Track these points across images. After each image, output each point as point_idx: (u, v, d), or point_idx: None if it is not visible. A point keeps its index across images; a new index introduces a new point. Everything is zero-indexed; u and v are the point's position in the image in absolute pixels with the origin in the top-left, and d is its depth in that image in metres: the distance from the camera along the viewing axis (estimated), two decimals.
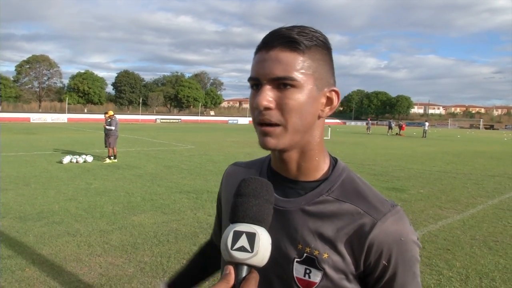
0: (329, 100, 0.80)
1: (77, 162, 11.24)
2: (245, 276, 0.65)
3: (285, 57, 0.73)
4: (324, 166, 0.84)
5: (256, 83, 0.76)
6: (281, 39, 0.73)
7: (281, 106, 0.73)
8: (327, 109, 0.80)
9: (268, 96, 0.73)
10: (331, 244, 0.77)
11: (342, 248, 0.76)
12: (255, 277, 0.65)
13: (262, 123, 0.75)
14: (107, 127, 12.19)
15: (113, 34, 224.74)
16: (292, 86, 0.73)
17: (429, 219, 6.13)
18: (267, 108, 0.73)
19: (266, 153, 0.98)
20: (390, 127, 38.54)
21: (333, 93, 0.80)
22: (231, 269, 0.65)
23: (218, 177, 9.38)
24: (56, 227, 5.23)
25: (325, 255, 0.77)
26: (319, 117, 0.79)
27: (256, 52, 0.78)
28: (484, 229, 5.67)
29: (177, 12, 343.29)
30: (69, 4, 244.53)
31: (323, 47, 0.77)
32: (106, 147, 12.30)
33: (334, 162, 0.86)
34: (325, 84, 0.78)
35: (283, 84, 0.73)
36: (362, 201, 0.79)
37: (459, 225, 5.82)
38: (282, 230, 0.81)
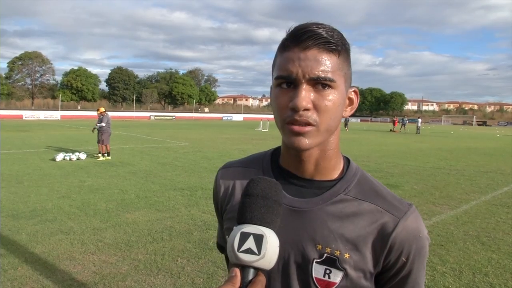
0: (351, 101, 0.81)
1: (70, 159, 11.16)
2: (251, 279, 0.63)
3: (324, 58, 0.72)
4: (340, 165, 0.84)
5: (287, 82, 0.74)
6: (318, 40, 0.72)
7: (318, 107, 0.73)
8: (349, 109, 0.81)
9: (308, 96, 0.72)
10: (353, 244, 0.77)
11: (364, 247, 0.76)
12: (261, 280, 0.64)
13: (295, 123, 0.73)
14: (98, 124, 12.16)
15: (107, 30, 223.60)
16: (330, 87, 0.73)
17: (423, 215, 6.16)
18: (306, 109, 0.72)
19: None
20: (403, 124, 37.94)
21: (353, 93, 0.81)
22: (237, 271, 0.63)
23: (212, 174, 9.35)
24: (49, 225, 5.19)
25: (347, 255, 0.76)
26: (342, 117, 0.80)
27: (286, 50, 0.75)
28: (477, 224, 5.72)
29: (171, 8, 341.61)
30: (62, 0, 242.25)
31: (347, 47, 0.77)
32: (98, 143, 12.27)
33: (346, 161, 0.87)
34: (350, 85, 0.79)
35: (322, 84, 0.72)
36: (380, 200, 0.79)
37: (453, 221, 5.86)
38: (299, 230, 0.79)
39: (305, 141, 0.74)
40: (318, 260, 0.77)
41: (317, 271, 0.77)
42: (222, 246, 1.00)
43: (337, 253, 0.76)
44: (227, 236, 0.90)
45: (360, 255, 0.76)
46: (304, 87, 0.72)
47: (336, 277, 0.76)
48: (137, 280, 3.68)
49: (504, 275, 3.97)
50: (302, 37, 0.73)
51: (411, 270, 0.78)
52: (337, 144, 0.83)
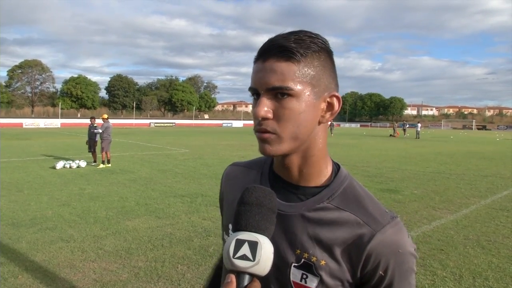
0: (330, 106, 0.80)
1: (70, 167, 11.17)
2: (246, 285, 0.65)
3: (280, 67, 0.73)
4: (326, 172, 0.84)
5: (254, 93, 0.78)
6: (276, 49, 0.74)
7: (277, 115, 0.75)
8: (327, 114, 0.80)
9: (266, 106, 0.74)
10: (329, 251, 0.78)
11: (339, 256, 0.77)
12: (256, 286, 0.65)
13: (258, 132, 0.78)
14: (95, 131, 12.25)
15: (107, 38, 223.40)
16: (289, 95, 0.74)
17: (423, 219, 6.17)
18: (265, 118, 0.75)
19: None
20: (404, 129, 38.06)
21: (334, 98, 0.80)
22: (232, 277, 0.65)
23: (212, 180, 9.37)
24: (49, 233, 5.19)
25: (323, 262, 0.77)
26: (319, 122, 0.79)
27: (254, 62, 0.78)
28: (477, 229, 5.72)
29: (171, 15, 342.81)
30: (62, 8, 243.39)
31: (322, 52, 0.77)
32: (89, 151, 12.45)
33: (336, 168, 0.87)
34: (324, 90, 0.78)
35: (280, 93, 0.74)
36: (362, 211, 0.79)
37: (453, 225, 5.86)
38: (281, 234, 0.81)
39: (268, 148, 0.77)
40: (296, 264, 0.79)
41: (295, 275, 0.79)
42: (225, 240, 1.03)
43: (314, 259, 0.78)
44: (224, 233, 0.93)
45: (336, 264, 0.77)
46: (264, 97, 0.75)
47: (312, 282, 0.78)
48: (137, 287, 3.68)
49: (504, 279, 3.97)
50: (263, 49, 0.76)
51: (391, 285, 0.77)
52: (321, 150, 0.82)
